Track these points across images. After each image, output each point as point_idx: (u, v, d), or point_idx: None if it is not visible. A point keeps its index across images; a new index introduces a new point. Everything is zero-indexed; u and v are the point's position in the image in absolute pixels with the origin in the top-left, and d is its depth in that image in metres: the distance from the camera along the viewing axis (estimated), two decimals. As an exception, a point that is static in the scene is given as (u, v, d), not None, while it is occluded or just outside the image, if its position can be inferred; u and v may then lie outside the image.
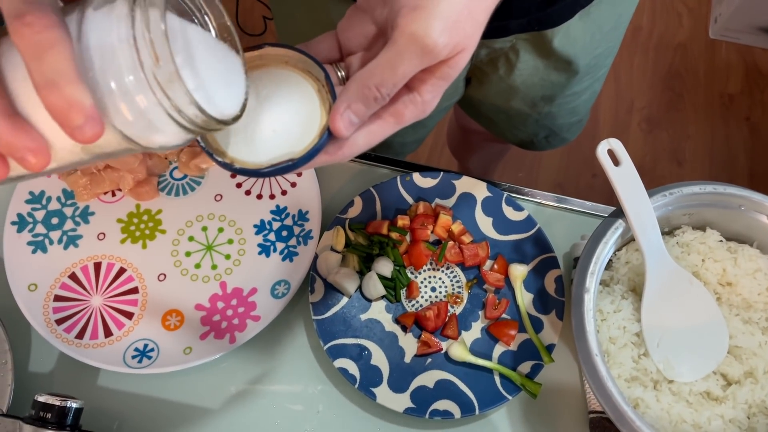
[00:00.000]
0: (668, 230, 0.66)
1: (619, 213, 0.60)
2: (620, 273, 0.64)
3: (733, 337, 0.61)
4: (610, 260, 0.66)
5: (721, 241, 0.64)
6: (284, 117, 0.44)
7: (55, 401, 0.59)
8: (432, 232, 0.73)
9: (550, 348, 0.67)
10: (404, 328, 0.70)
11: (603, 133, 1.94)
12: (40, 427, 0.58)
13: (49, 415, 0.59)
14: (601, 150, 0.58)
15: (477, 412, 0.64)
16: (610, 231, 0.59)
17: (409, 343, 0.69)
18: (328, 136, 0.43)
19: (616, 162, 0.59)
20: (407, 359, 0.68)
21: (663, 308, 0.61)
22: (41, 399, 0.60)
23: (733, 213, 0.62)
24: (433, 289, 0.72)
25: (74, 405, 0.60)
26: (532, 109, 0.88)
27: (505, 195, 0.74)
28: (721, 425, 0.58)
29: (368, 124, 0.44)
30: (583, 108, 0.92)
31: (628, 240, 0.65)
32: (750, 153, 1.90)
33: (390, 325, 0.70)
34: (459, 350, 0.67)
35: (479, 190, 0.75)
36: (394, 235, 0.72)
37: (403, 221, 0.73)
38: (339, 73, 0.47)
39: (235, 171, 0.43)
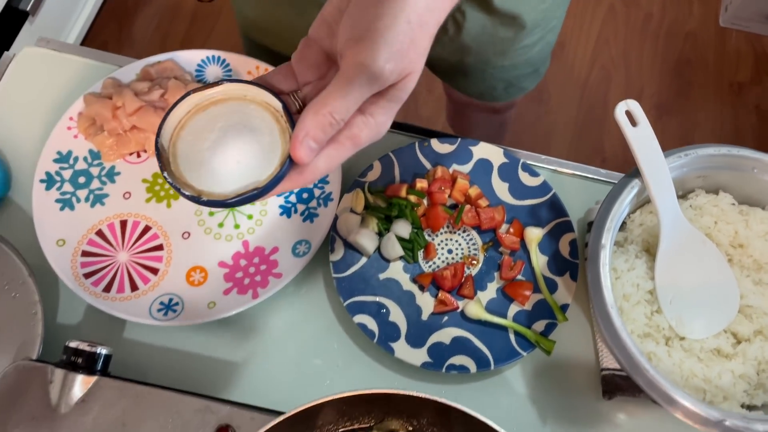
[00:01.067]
0: (682, 194, 0.67)
1: (635, 173, 0.62)
2: (634, 234, 0.66)
3: (744, 297, 0.63)
4: (624, 222, 0.68)
5: (733, 204, 0.66)
6: (247, 148, 0.49)
7: (85, 347, 0.62)
8: (449, 196, 0.75)
9: (563, 308, 0.69)
10: (421, 288, 0.71)
11: (612, 119, 1.95)
12: (71, 371, 0.61)
13: (79, 360, 0.61)
14: (619, 111, 0.60)
15: (492, 367, 0.66)
16: (626, 190, 0.61)
17: (426, 302, 0.71)
18: (290, 163, 0.47)
19: (633, 123, 0.60)
20: (424, 317, 0.70)
21: (676, 267, 0.62)
22: (72, 344, 0.62)
23: (746, 176, 0.64)
24: (450, 251, 0.73)
25: (104, 351, 0.62)
26: (486, 65, 0.90)
27: (521, 161, 0.75)
28: (731, 380, 0.60)
29: (327, 148, 0.47)
30: (538, 58, 0.93)
31: (642, 203, 0.67)
32: (759, 140, 1.91)
33: (407, 285, 0.72)
34: (475, 308, 0.69)
35: (496, 156, 0.76)
36: (413, 197, 0.74)
37: (421, 184, 0.74)
38: (297, 104, 0.51)
39: (202, 203, 0.48)
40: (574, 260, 0.71)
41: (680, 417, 0.54)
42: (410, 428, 0.57)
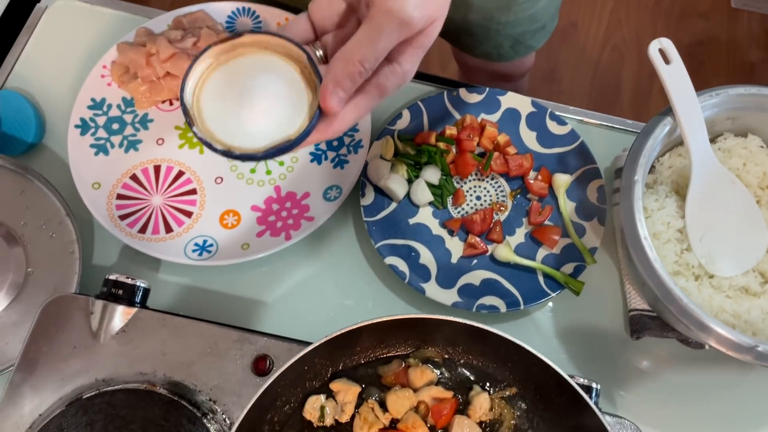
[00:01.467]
0: (711, 137, 0.68)
1: (667, 111, 0.63)
2: (664, 176, 0.67)
3: (772, 236, 0.64)
4: (653, 166, 0.69)
5: (762, 146, 0.67)
6: (274, 101, 0.48)
7: (125, 279, 0.63)
8: (478, 144, 0.76)
9: (592, 251, 0.69)
10: (451, 232, 0.73)
11: (624, 98, 1.95)
12: (111, 302, 0.62)
13: (120, 292, 0.62)
14: (653, 49, 0.61)
15: (522, 307, 0.67)
16: (658, 128, 0.62)
17: (455, 246, 0.72)
18: (319, 114, 0.47)
19: (666, 61, 0.61)
20: (454, 260, 0.71)
21: (706, 206, 0.63)
22: (112, 277, 0.63)
23: (776, 117, 0.65)
24: (478, 198, 0.74)
25: (143, 284, 0.63)
26: (490, 21, 0.90)
27: (549, 110, 0.76)
28: (760, 315, 0.61)
29: (354, 98, 0.47)
30: (545, 13, 0.92)
31: (671, 145, 0.68)
32: (770, 120, 1.91)
33: (437, 229, 0.73)
34: (504, 251, 0.70)
35: (524, 105, 0.77)
36: (442, 144, 0.75)
37: (450, 131, 0.75)
38: (318, 53, 0.51)
39: (234, 157, 0.47)
40: (602, 205, 0.71)
41: (713, 344, 0.55)
42: (446, 356, 0.58)
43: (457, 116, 0.77)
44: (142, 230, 0.71)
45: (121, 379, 0.59)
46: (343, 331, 0.54)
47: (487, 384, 0.57)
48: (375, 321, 0.55)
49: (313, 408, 0.56)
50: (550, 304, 0.71)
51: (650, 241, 0.58)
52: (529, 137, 0.76)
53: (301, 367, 0.56)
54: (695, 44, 2.03)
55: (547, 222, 0.72)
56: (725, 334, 0.54)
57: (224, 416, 0.58)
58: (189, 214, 0.72)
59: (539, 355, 0.54)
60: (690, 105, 0.61)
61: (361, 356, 0.58)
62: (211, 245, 0.71)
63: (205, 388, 0.60)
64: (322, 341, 0.54)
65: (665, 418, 0.66)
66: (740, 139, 0.67)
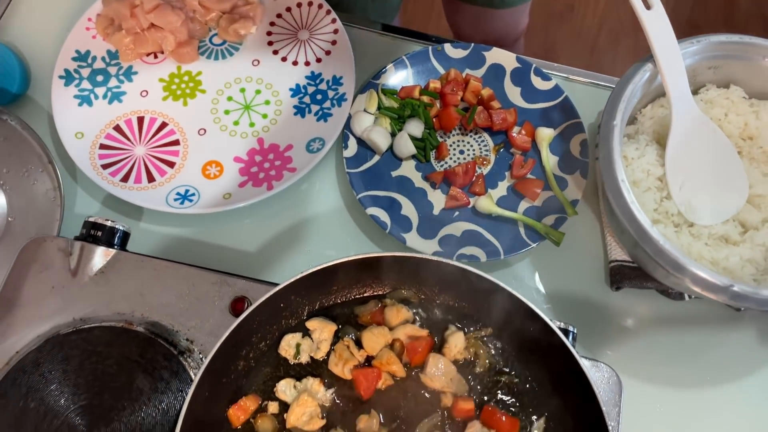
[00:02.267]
0: (693, 89, 0.68)
1: (648, 59, 0.62)
2: (645, 126, 0.67)
3: (752, 187, 0.64)
4: (635, 117, 0.69)
5: (744, 97, 0.66)
6: None
7: (104, 221, 0.63)
8: (462, 98, 0.75)
9: (573, 204, 0.69)
10: (433, 185, 0.72)
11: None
12: (90, 243, 0.62)
13: (99, 233, 0.62)
14: (633, -8, 0.60)
15: (502, 257, 0.67)
16: (639, 73, 0.62)
17: (437, 198, 0.72)
18: None
19: (647, 6, 0.61)
20: (435, 212, 0.71)
21: (686, 154, 0.63)
22: (91, 219, 0.63)
23: (756, 67, 0.64)
24: (462, 152, 0.74)
25: (122, 227, 0.63)
26: None
27: (533, 65, 0.76)
28: (738, 262, 0.61)
29: None
30: None
31: (654, 96, 0.68)
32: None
33: (419, 182, 0.73)
34: (486, 202, 0.70)
35: (508, 61, 0.77)
36: (426, 98, 0.75)
37: (434, 85, 0.75)
38: None
39: None
40: (584, 159, 0.71)
41: (689, 284, 0.55)
42: (422, 296, 0.58)
43: (442, 71, 0.77)
44: (125, 179, 0.71)
45: (99, 319, 0.60)
46: (319, 267, 0.54)
47: (464, 324, 0.57)
48: (351, 258, 0.55)
49: (288, 345, 0.56)
50: (531, 256, 0.71)
51: (628, 185, 0.58)
52: (513, 92, 0.76)
53: (276, 304, 0.56)
54: (693, 27, 2.03)
55: (529, 175, 0.72)
56: (700, 274, 0.54)
57: (201, 355, 0.59)
58: (172, 165, 0.73)
59: (516, 293, 0.54)
60: (670, 51, 0.61)
61: (338, 296, 0.58)
62: (193, 194, 0.71)
63: (183, 328, 0.60)
64: (298, 277, 0.54)
65: (644, 370, 0.66)
66: (722, 90, 0.67)
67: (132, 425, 0.54)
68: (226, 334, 0.52)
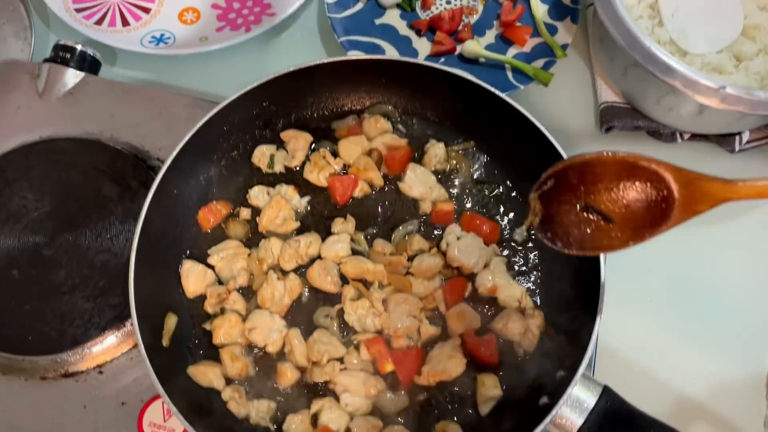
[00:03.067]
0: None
1: None
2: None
3: (748, 17, 0.61)
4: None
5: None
6: None
7: (74, 44, 0.60)
8: (449, -51, 0.73)
9: (563, 47, 0.67)
10: (418, 33, 0.70)
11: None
12: (59, 64, 0.59)
13: (68, 55, 0.60)
14: None
15: (489, 97, 0.65)
16: None
17: (422, 46, 0.69)
18: None
19: None
20: (421, 59, 0.69)
21: (679, -21, 0.60)
22: (62, 42, 0.61)
23: None
24: (449, 2, 0.72)
25: (92, 52, 0.61)
26: None
27: None
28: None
29: None
30: None
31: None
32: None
33: (404, 30, 0.70)
34: (473, 45, 0.68)
35: None
36: (412, -55, 0.72)
37: (420, -68, 0.73)
38: None
39: None
40: (575, 6, 0.69)
41: (680, 87, 0.53)
42: (401, 111, 0.56)
43: (429, -75, 0.74)
44: (99, 22, 0.68)
45: (67, 137, 0.57)
46: (294, 68, 0.52)
47: (445, 137, 0.55)
48: (330, 60, 0.53)
49: (262, 155, 0.54)
50: (520, 101, 0.68)
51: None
52: (502, -56, 0.74)
53: (248, 109, 0.53)
54: None
55: (518, 23, 0.70)
56: (692, 76, 0.52)
57: (172, 172, 0.56)
58: (147, 11, 0.70)
59: (505, 97, 0.51)
60: None
61: (315, 108, 0.56)
62: (168, 38, 0.68)
63: (154, 148, 0.58)
64: (271, 77, 0.52)
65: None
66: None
67: (98, 230, 0.52)
68: (195, 128, 0.50)
